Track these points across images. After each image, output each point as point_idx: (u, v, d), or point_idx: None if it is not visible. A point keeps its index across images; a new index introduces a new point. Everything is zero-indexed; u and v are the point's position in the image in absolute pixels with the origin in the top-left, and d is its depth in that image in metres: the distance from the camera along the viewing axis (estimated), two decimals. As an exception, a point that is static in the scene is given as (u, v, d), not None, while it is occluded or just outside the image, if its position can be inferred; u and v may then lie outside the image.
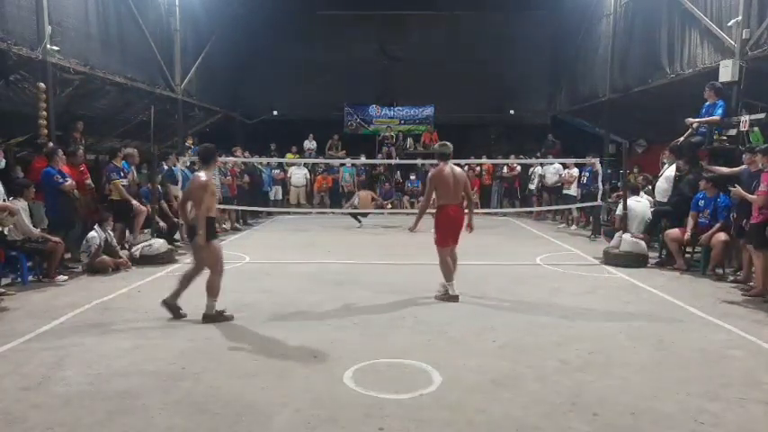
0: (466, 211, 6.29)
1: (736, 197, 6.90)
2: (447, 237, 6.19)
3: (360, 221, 13.05)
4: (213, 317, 5.29)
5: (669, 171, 8.83)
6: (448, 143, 6.46)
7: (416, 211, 7.16)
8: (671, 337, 4.89)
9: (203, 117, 16.29)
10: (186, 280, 5.44)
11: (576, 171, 12.85)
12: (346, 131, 19.77)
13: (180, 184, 10.38)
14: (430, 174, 6.35)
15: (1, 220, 6.37)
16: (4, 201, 6.48)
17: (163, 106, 13.13)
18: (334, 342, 4.73)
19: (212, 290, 5.32)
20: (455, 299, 6.09)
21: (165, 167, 10.61)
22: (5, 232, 6.33)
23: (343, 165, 16.35)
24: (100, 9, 10.40)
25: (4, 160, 6.85)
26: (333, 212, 14.55)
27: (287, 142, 18.01)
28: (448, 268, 6.18)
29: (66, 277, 7.09)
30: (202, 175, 5.30)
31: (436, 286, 6.36)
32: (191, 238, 5.34)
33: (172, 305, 5.42)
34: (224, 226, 11.98)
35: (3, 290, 6.29)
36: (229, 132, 17.96)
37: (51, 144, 8.04)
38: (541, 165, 14.74)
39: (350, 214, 13.25)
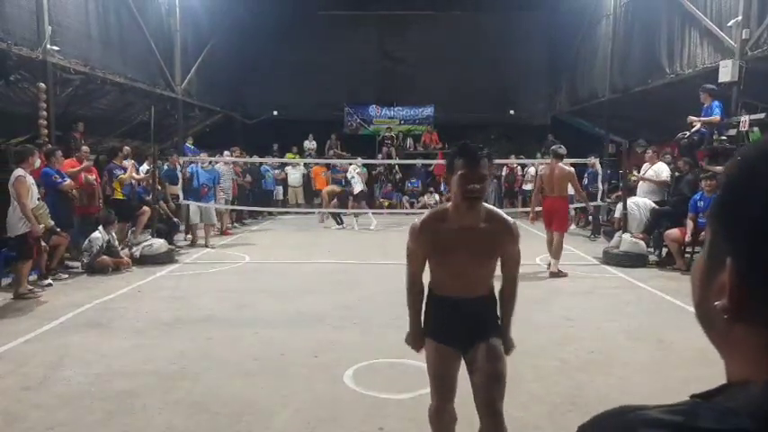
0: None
1: None
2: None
3: (341, 223, 12.98)
4: None
5: (651, 172, 8.95)
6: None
7: (415, 211, 7.16)
8: (671, 337, 4.89)
9: (203, 117, 16.29)
10: None
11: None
12: (346, 131, 19.76)
13: (180, 182, 10.37)
14: (572, 172, 7.77)
15: (41, 216, 6.44)
16: (39, 199, 6.57)
17: (163, 106, 13.13)
18: (334, 342, 4.73)
19: None
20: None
21: (166, 167, 10.61)
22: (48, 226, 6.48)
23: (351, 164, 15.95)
24: (100, 9, 10.40)
25: (39, 160, 6.99)
26: (331, 212, 14.52)
27: (287, 142, 17.99)
28: None
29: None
30: None
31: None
32: None
33: None
34: (227, 225, 12.00)
35: (31, 287, 6.34)
36: (229, 132, 17.96)
37: (46, 144, 8.05)
38: (531, 165, 14.82)
39: (332, 215, 13.23)
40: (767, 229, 0.48)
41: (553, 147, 8.26)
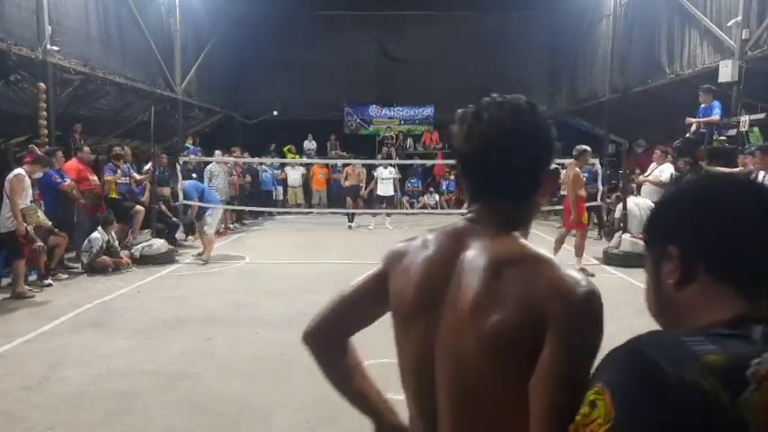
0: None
1: None
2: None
3: (351, 223, 13.00)
4: None
5: (656, 172, 8.91)
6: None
7: (415, 211, 7.17)
8: (671, 337, 4.88)
9: (203, 117, 16.29)
10: None
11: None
12: (346, 131, 19.77)
13: (178, 184, 10.30)
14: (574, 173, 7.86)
15: (30, 216, 6.46)
16: (32, 202, 6.63)
17: (163, 106, 13.12)
18: (334, 342, 4.72)
19: None
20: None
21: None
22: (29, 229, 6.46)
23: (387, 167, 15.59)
24: (100, 9, 10.40)
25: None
26: (332, 212, 14.54)
27: (287, 142, 18.00)
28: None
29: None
30: None
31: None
32: None
33: None
34: (229, 225, 11.99)
35: (29, 288, 6.37)
36: (229, 132, 17.96)
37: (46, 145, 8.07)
38: None
39: (346, 215, 13.25)
40: (700, 230, 0.79)
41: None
